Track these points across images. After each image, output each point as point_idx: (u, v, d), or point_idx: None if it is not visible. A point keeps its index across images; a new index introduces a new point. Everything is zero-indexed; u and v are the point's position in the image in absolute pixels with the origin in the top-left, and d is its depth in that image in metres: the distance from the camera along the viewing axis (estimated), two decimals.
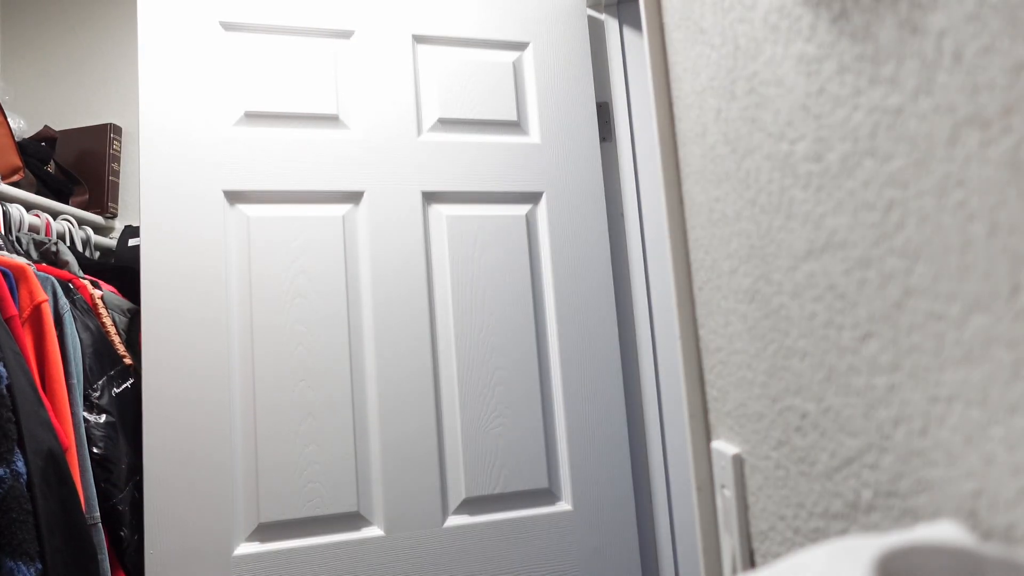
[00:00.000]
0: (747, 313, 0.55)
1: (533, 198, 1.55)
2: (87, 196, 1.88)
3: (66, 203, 1.78)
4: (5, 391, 1.05)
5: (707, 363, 0.66)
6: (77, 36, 2.04)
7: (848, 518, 0.43)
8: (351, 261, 1.43)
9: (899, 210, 0.35)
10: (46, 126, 1.87)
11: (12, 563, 0.98)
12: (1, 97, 1.71)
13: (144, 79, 1.40)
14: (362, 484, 1.36)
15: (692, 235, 0.68)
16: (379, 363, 1.40)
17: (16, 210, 1.48)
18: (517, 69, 1.60)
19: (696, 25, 0.61)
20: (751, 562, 0.59)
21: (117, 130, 1.96)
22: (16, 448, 1.03)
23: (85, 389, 1.31)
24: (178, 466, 1.29)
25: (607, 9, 1.69)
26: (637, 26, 1.68)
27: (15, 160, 1.56)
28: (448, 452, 1.42)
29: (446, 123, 1.52)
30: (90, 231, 1.77)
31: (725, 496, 0.61)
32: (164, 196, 1.36)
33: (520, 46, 1.61)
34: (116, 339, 1.44)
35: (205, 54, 1.43)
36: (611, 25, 1.70)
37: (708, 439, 0.67)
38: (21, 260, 1.29)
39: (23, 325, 1.22)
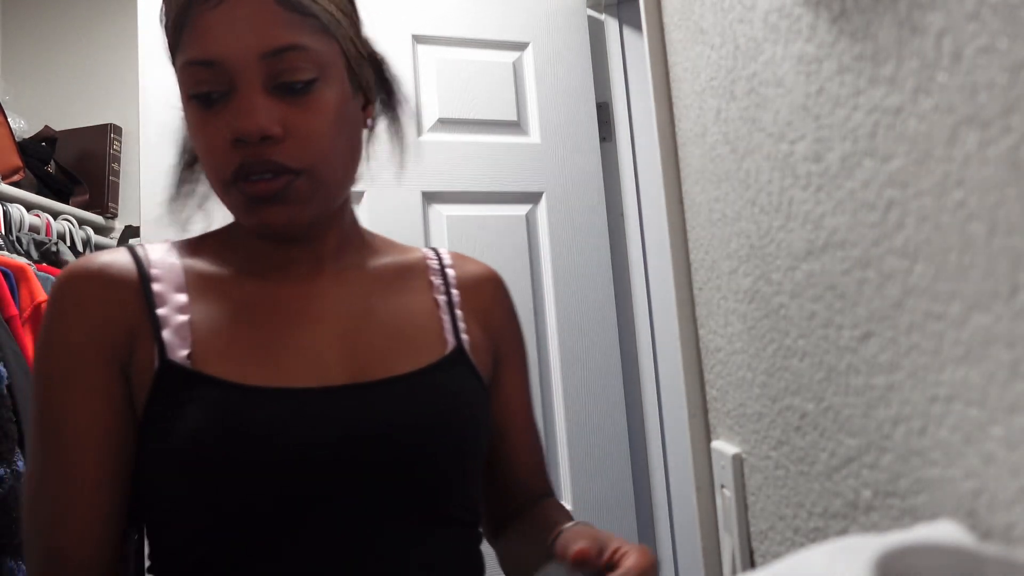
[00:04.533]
0: (747, 313, 0.55)
1: (533, 198, 1.55)
2: (87, 196, 1.88)
3: (66, 203, 1.78)
4: (6, 391, 1.05)
5: (707, 363, 0.66)
6: (77, 36, 2.04)
7: (848, 518, 0.43)
8: None
9: (899, 210, 0.35)
10: (46, 126, 1.87)
11: (13, 563, 0.98)
12: (1, 97, 1.71)
13: (144, 79, 1.40)
14: None
15: (692, 235, 0.68)
16: None
17: (16, 210, 1.48)
18: (517, 69, 1.60)
19: (696, 25, 0.61)
20: (751, 562, 0.59)
21: (117, 130, 1.96)
22: (17, 448, 1.03)
23: None
24: None
25: (607, 9, 1.69)
26: (637, 26, 1.68)
27: (15, 160, 1.56)
28: None
29: (446, 123, 1.52)
30: (90, 231, 1.77)
31: (725, 496, 0.62)
32: (164, 196, 1.36)
33: (520, 46, 1.60)
34: None
35: None
36: (611, 25, 1.69)
37: (708, 439, 0.68)
38: (22, 260, 1.29)
39: (23, 325, 1.22)
